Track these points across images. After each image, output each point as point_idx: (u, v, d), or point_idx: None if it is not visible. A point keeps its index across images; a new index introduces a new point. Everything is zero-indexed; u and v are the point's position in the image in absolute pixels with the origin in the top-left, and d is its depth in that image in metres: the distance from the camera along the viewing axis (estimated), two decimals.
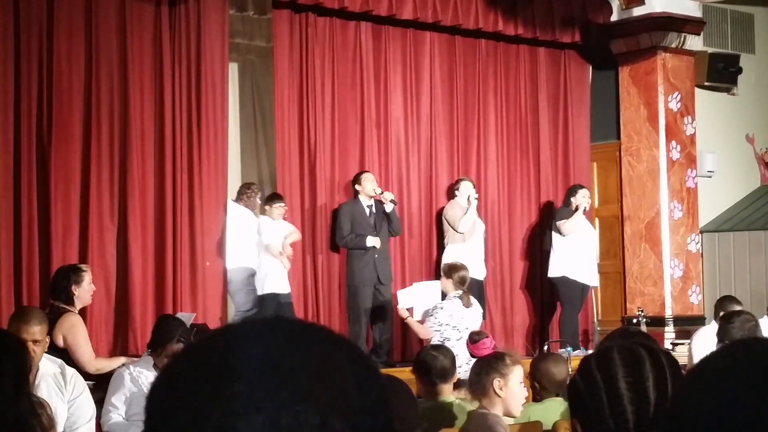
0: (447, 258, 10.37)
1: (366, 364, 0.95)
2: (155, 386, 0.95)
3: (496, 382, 4.68)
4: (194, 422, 0.88)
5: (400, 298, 9.02)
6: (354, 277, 9.95)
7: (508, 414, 4.76)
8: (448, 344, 8.40)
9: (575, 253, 10.81)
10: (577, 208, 10.86)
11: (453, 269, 8.72)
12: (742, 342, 1.08)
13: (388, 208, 10.05)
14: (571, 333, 10.69)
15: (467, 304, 8.58)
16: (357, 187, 10.10)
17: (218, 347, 0.93)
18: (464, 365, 8.21)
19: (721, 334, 5.75)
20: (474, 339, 7.60)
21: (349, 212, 10.04)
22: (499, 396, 4.69)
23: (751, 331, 5.66)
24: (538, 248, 11.68)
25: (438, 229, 11.07)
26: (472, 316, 8.63)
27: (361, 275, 9.89)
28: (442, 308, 8.56)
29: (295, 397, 0.87)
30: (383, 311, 9.98)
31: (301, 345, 0.92)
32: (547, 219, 11.61)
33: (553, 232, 10.99)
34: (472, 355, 7.25)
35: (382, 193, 10.06)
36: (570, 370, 8.58)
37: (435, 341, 8.50)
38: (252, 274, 9.70)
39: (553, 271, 10.95)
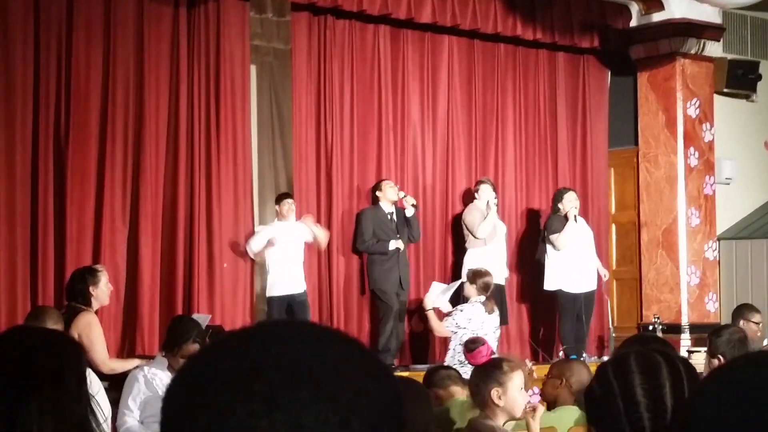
0: (468, 262, 10.35)
1: (380, 366, 0.97)
2: (172, 387, 0.96)
3: (494, 392, 4.57)
4: (214, 422, 0.89)
5: (431, 293, 8.97)
6: (379, 281, 9.95)
7: (512, 418, 4.70)
8: None
9: (569, 264, 10.62)
10: (566, 216, 10.69)
11: (477, 275, 8.74)
12: (757, 353, 1.08)
13: (410, 212, 10.07)
14: (571, 341, 10.61)
15: (490, 311, 8.58)
16: (378, 194, 10.13)
17: (236, 348, 0.94)
18: None
19: (710, 348, 5.72)
20: (470, 348, 7.54)
21: (371, 218, 10.07)
22: (499, 405, 4.60)
23: (740, 342, 5.63)
24: None
25: (454, 233, 11.04)
26: (493, 323, 8.63)
27: (386, 279, 9.91)
28: (461, 311, 8.57)
29: (316, 397, 0.88)
30: (401, 315, 10.02)
31: (317, 345, 0.93)
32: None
33: (547, 244, 10.84)
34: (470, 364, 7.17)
35: (405, 196, 10.07)
36: None
37: (452, 345, 8.49)
38: None
39: (549, 284, 10.78)
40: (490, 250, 10.42)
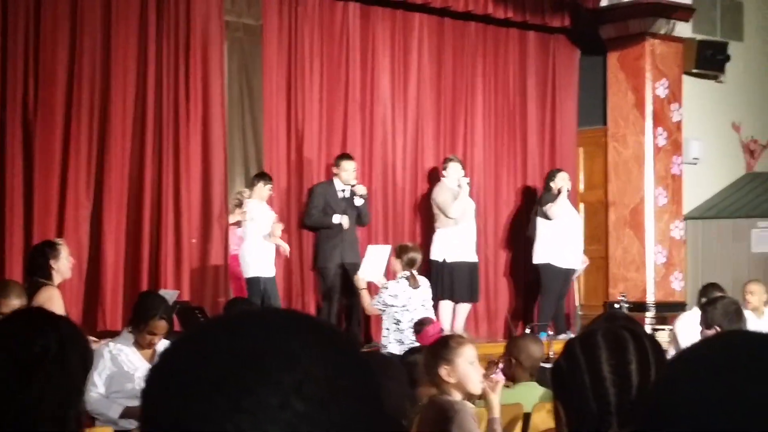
0: (438, 242, 10.36)
1: (341, 350, 0.99)
2: (146, 378, 1.02)
3: (443, 370, 4.56)
4: (166, 407, 0.95)
5: (362, 269, 8.95)
6: (321, 258, 9.92)
7: (467, 396, 4.69)
8: (401, 326, 8.38)
9: (561, 239, 10.79)
10: (559, 191, 10.83)
11: (403, 250, 8.66)
12: (728, 332, 1.09)
13: (358, 202, 9.98)
14: (549, 318, 10.69)
15: (414, 285, 8.51)
16: (335, 170, 10.03)
17: (196, 338, 1.01)
18: None
19: (705, 319, 5.75)
20: (417, 330, 7.58)
21: (322, 193, 9.98)
22: (450, 382, 4.61)
23: (736, 314, 5.66)
24: (522, 231, 11.67)
25: (422, 213, 11.04)
26: (420, 297, 8.54)
27: (327, 256, 9.85)
28: (386, 288, 8.53)
29: (259, 381, 0.93)
30: (353, 293, 9.89)
31: (270, 331, 0.98)
32: (533, 203, 11.60)
33: (538, 218, 10.94)
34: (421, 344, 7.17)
35: (356, 185, 9.95)
36: (552, 353, 8.63)
37: (385, 324, 8.48)
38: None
39: (538, 257, 10.91)
40: (460, 230, 10.43)
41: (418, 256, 8.67)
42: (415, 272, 8.56)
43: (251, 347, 0.95)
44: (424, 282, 8.70)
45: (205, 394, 0.93)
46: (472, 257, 10.50)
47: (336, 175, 10.00)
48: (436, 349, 4.75)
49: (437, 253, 10.38)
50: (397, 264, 8.60)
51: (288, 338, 0.97)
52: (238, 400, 0.92)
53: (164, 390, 0.97)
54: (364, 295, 8.75)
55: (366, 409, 0.96)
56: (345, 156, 10.13)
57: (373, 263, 8.93)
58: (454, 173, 10.53)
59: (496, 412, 4.73)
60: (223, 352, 0.96)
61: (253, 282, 9.56)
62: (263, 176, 9.85)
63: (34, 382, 2.27)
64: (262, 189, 9.71)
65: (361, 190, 9.95)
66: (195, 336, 1.01)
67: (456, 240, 10.34)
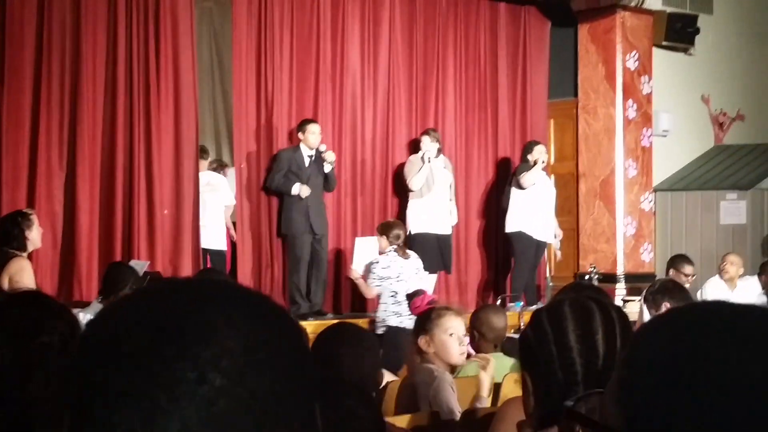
0: (410, 213, 10.43)
1: (265, 321, 0.97)
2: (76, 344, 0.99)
3: (422, 340, 4.68)
4: (85, 380, 0.93)
5: (355, 262, 9.10)
6: (289, 226, 9.85)
7: (450, 367, 4.75)
8: (398, 298, 8.50)
9: (532, 209, 10.83)
10: (535, 163, 10.86)
11: (387, 227, 8.93)
12: (702, 302, 1.11)
13: (327, 168, 9.88)
14: (522, 288, 10.75)
15: (404, 256, 8.78)
16: (300, 135, 9.90)
17: (119, 309, 0.98)
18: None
19: (650, 301, 5.82)
20: (408, 300, 7.74)
21: (287, 159, 9.85)
22: (429, 352, 4.68)
23: (676, 288, 5.75)
24: (494, 203, 11.72)
25: (395, 184, 11.05)
26: (412, 266, 8.79)
27: (295, 225, 9.79)
28: (377, 262, 8.74)
29: (178, 356, 0.91)
30: (320, 262, 9.91)
31: (191, 303, 0.96)
32: (505, 175, 11.64)
33: (512, 188, 10.96)
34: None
35: (326, 151, 9.88)
36: (523, 324, 8.68)
37: (384, 299, 8.58)
38: None
39: (510, 225, 10.95)
40: (428, 201, 10.46)
41: (401, 231, 8.95)
42: (401, 245, 8.81)
43: (170, 320, 0.94)
44: (412, 253, 8.96)
45: (123, 367, 0.92)
46: (443, 229, 10.52)
47: (302, 140, 9.91)
48: (419, 319, 4.88)
49: (407, 225, 10.43)
50: (383, 241, 8.83)
51: (208, 310, 0.95)
52: (155, 374, 0.91)
53: (84, 362, 0.95)
54: (361, 283, 8.91)
55: (287, 381, 0.95)
56: (309, 120, 10.05)
57: (363, 255, 9.04)
58: (424, 146, 10.54)
59: (485, 391, 4.77)
60: (142, 324, 0.94)
61: (212, 253, 9.72)
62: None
63: (35, 378, 2.20)
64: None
65: (331, 156, 9.88)
66: (118, 308, 0.99)
67: (423, 211, 10.38)
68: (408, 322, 8.20)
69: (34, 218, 7.20)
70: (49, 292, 8.32)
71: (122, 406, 0.90)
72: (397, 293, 8.54)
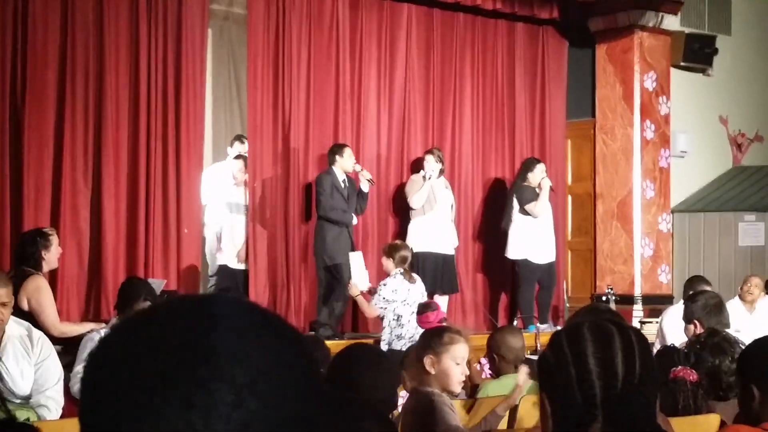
0: (411, 232, 10.39)
1: (289, 344, 0.95)
2: (88, 358, 0.95)
3: (428, 359, 4.52)
4: (116, 404, 0.89)
5: (354, 277, 8.97)
6: (336, 251, 9.59)
7: (446, 391, 4.67)
8: (401, 321, 8.45)
9: (536, 233, 10.73)
10: (539, 186, 10.75)
11: (393, 249, 8.80)
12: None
13: (365, 187, 9.85)
14: (530, 311, 10.68)
15: (411, 280, 8.68)
16: (337, 158, 9.79)
17: (145, 324, 0.94)
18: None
19: (686, 313, 5.79)
20: (420, 311, 7.64)
21: (330, 183, 9.72)
22: (431, 373, 4.58)
23: (716, 308, 5.69)
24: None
25: (402, 201, 11.00)
26: (418, 291, 8.71)
27: (337, 248, 9.63)
28: (385, 285, 8.65)
29: (212, 377, 0.88)
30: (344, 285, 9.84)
31: (224, 324, 0.92)
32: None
33: (514, 212, 10.84)
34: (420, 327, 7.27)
35: (362, 170, 9.85)
36: (540, 346, 8.65)
37: (387, 321, 8.53)
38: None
39: (512, 252, 10.86)
40: (430, 220, 10.39)
41: (408, 254, 8.81)
42: (407, 268, 8.70)
43: (202, 339, 0.90)
44: (418, 278, 8.85)
45: (155, 387, 0.87)
46: (446, 249, 10.46)
47: (336, 163, 9.79)
48: (429, 336, 4.73)
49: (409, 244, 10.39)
50: (389, 263, 8.71)
51: (239, 331, 0.91)
52: (190, 396, 0.87)
53: (108, 380, 0.90)
54: (361, 301, 8.83)
55: (313, 405, 0.93)
56: (342, 144, 10.03)
57: (358, 270, 8.98)
58: (427, 166, 10.50)
59: (501, 410, 4.79)
60: (172, 342, 0.90)
61: (224, 270, 9.67)
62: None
63: None
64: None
65: (368, 174, 9.88)
66: (140, 323, 0.94)
67: (426, 231, 10.32)
68: (410, 344, 8.18)
69: (54, 238, 7.17)
70: (75, 310, 8.43)
71: (154, 428, 0.87)
72: (401, 316, 8.50)
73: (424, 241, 10.30)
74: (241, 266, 9.93)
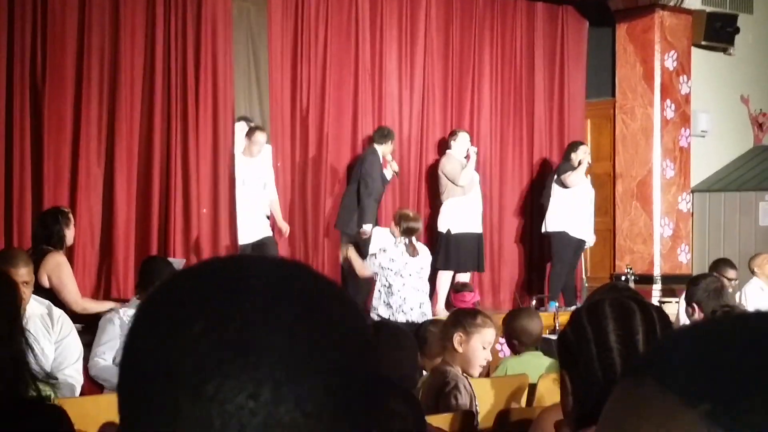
0: (445, 213, 10.36)
1: (334, 323, 0.89)
2: (134, 316, 0.90)
3: (457, 337, 4.60)
4: (153, 347, 0.84)
5: (374, 239, 9.04)
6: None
7: (465, 372, 4.69)
8: (392, 289, 8.37)
9: (574, 208, 10.77)
10: (580, 163, 10.80)
11: (403, 218, 8.55)
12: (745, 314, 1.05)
13: (389, 175, 9.99)
14: (559, 289, 10.70)
15: (413, 253, 8.46)
16: (382, 141, 9.97)
17: (196, 274, 0.89)
18: (416, 309, 8.25)
19: (687, 296, 5.85)
20: (457, 288, 7.62)
21: (379, 168, 9.93)
22: (458, 351, 4.62)
23: (715, 292, 5.75)
24: (530, 203, 11.68)
25: (429, 184, 11.03)
26: (417, 265, 8.48)
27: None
28: (384, 251, 8.51)
29: (247, 371, 0.83)
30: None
31: (261, 316, 0.86)
32: (541, 175, 11.58)
33: (554, 186, 10.88)
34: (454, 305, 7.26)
35: (392, 161, 10.00)
36: (558, 325, 8.64)
37: (377, 286, 8.45)
38: None
39: (551, 225, 10.88)
40: (467, 201, 10.42)
41: (416, 226, 8.59)
42: (414, 240, 8.53)
43: (240, 332, 0.83)
44: (424, 251, 8.64)
45: (203, 343, 0.82)
46: (478, 228, 10.51)
47: (380, 146, 9.97)
48: (463, 315, 4.81)
49: (443, 224, 10.39)
50: (395, 230, 8.58)
51: (278, 324, 0.85)
52: (230, 360, 0.82)
53: (135, 335, 0.86)
54: (354, 257, 8.77)
55: (354, 397, 0.87)
56: (391, 131, 10.15)
57: (378, 243, 9.04)
58: (462, 144, 10.52)
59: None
60: (224, 308, 0.84)
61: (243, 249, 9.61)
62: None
63: None
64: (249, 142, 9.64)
65: (395, 165, 10.06)
66: (171, 287, 0.88)
67: (462, 211, 10.34)
68: (401, 317, 8.17)
69: (71, 217, 7.27)
70: (87, 289, 8.46)
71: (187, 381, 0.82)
72: (391, 285, 8.39)
73: (462, 221, 10.30)
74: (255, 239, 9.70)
